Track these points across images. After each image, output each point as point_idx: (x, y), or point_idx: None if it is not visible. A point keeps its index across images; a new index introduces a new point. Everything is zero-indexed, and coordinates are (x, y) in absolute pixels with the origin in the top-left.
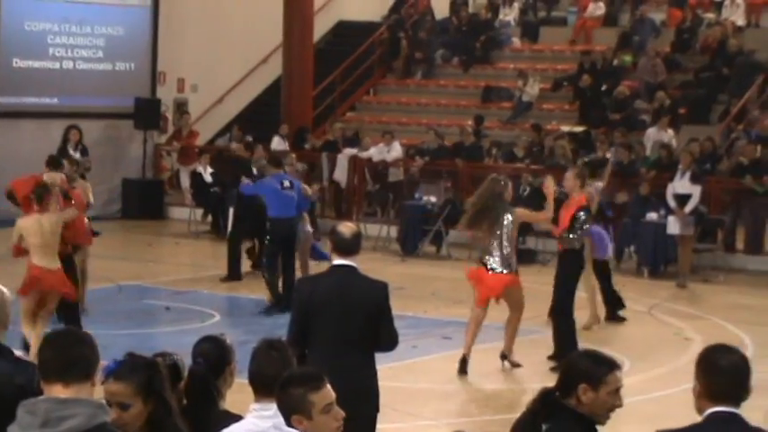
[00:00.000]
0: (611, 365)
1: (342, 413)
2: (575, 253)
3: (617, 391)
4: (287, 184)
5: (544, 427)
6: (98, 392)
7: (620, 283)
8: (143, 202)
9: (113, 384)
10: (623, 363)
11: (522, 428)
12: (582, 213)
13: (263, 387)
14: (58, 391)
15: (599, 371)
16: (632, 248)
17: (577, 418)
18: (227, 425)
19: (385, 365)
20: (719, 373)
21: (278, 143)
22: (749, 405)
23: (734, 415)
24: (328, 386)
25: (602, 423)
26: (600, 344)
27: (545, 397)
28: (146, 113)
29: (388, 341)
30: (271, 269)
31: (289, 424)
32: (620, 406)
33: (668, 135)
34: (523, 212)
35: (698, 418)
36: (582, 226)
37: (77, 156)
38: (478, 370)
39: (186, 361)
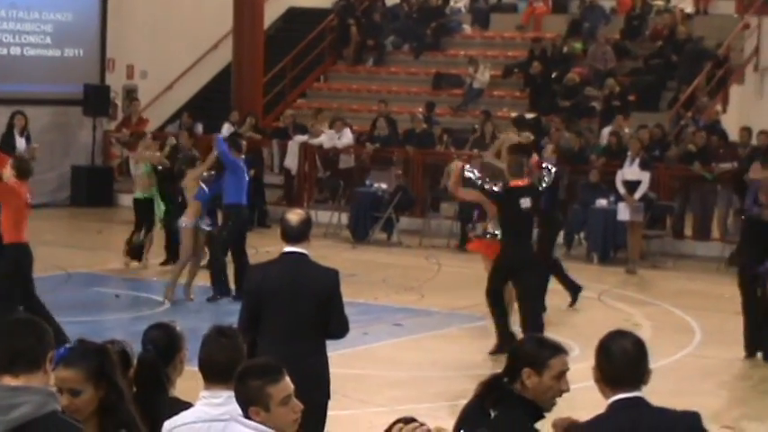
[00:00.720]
0: (555, 349)
1: (300, 405)
2: None
3: (562, 375)
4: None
5: (492, 413)
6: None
7: (571, 270)
8: (92, 189)
9: (63, 371)
10: (572, 349)
11: (469, 415)
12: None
13: (212, 374)
14: (7, 381)
15: (543, 354)
16: (582, 235)
17: (524, 404)
18: (176, 412)
19: (336, 352)
20: (612, 359)
21: (228, 130)
22: (706, 391)
23: (637, 399)
24: (287, 378)
25: (548, 409)
26: (550, 330)
27: (492, 383)
28: (95, 100)
29: (339, 328)
30: (224, 258)
31: (246, 415)
32: (566, 390)
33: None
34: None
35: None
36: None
37: (23, 142)
38: (429, 357)
39: (137, 348)
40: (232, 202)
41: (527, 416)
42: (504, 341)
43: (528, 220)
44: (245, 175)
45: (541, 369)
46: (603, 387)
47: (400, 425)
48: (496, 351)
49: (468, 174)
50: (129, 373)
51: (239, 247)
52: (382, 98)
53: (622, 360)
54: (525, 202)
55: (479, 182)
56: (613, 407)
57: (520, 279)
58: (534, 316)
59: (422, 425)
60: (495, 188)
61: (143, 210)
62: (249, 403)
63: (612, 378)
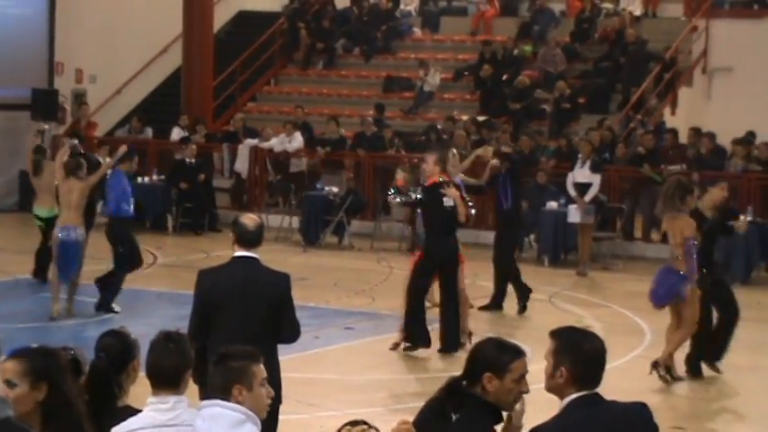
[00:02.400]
0: (515, 353)
1: (272, 392)
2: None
3: (522, 377)
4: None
5: (453, 417)
6: None
7: (522, 272)
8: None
9: (6, 362)
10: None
11: (430, 418)
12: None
13: (160, 380)
14: None
15: (503, 359)
16: (532, 237)
17: (485, 407)
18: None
19: (287, 356)
20: (585, 359)
21: (177, 134)
22: (656, 392)
23: (595, 395)
24: (263, 364)
25: (509, 410)
26: (501, 332)
27: (452, 386)
28: (43, 104)
29: (291, 332)
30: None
31: (224, 398)
32: (526, 392)
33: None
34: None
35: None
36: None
37: None
38: (380, 360)
39: (90, 355)
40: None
41: (489, 419)
42: (420, 338)
43: (452, 217)
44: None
45: (503, 373)
46: (566, 387)
47: (348, 427)
48: (412, 347)
49: (398, 199)
50: (81, 380)
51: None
52: (333, 101)
53: (595, 360)
54: (448, 201)
55: (403, 198)
56: (576, 404)
57: (446, 276)
58: (457, 312)
59: (370, 427)
60: (417, 194)
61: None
62: (233, 381)
63: (581, 378)
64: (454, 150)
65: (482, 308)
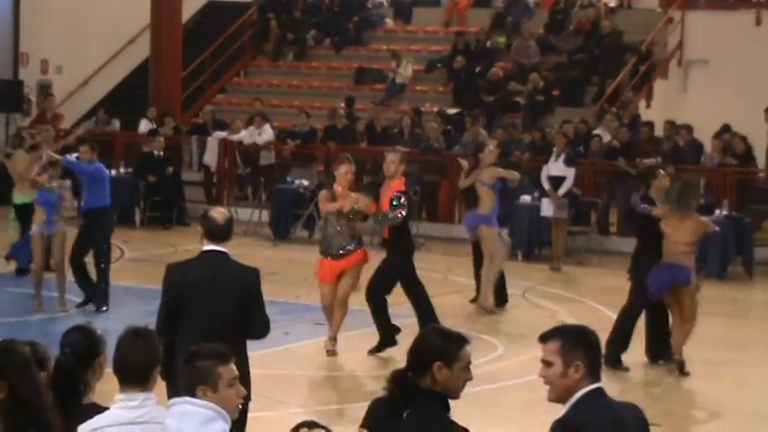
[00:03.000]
0: (461, 341)
1: (244, 391)
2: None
3: (469, 365)
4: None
5: (405, 413)
6: None
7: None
8: (5, 187)
9: None
10: (496, 347)
11: (380, 418)
12: (399, 195)
13: (128, 377)
14: None
15: (452, 347)
16: (506, 231)
17: (435, 398)
18: (93, 417)
19: (257, 352)
20: (598, 349)
21: (145, 126)
22: (629, 389)
23: (602, 389)
24: (233, 362)
25: (456, 398)
26: (474, 328)
27: (399, 379)
28: (8, 96)
29: (260, 328)
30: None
31: (191, 395)
32: (470, 379)
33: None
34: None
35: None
36: (398, 208)
37: None
38: (351, 356)
39: (55, 351)
40: (99, 205)
41: (441, 410)
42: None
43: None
44: (107, 176)
45: (451, 362)
46: (581, 381)
47: (304, 429)
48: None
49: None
50: (43, 375)
51: (106, 250)
52: (303, 93)
53: (600, 349)
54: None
55: (392, 215)
56: (590, 396)
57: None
58: (428, 306)
59: (327, 430)
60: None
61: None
62: (197, 383)
63: (595, 369)
64: (491, 146)
65: (473, 300)
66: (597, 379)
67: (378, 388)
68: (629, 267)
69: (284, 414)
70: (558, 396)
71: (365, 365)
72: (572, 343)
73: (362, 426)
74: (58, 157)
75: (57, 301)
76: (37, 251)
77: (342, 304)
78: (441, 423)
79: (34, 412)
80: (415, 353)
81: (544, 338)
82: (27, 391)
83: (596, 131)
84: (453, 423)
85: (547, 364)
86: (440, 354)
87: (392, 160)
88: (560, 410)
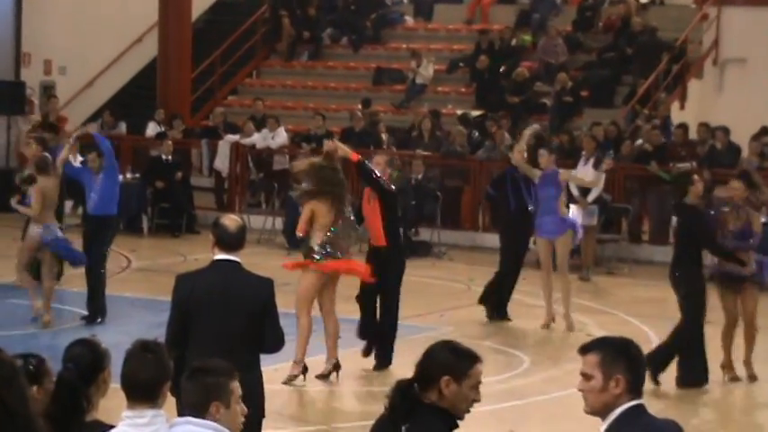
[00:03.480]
0: (474, 358)
1: (245, 409)
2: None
3: (478, 384)
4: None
5: (404, 427)
6: None
7: (521, 276)
8: (6, 193)
9: None
10: (523, 361)
11: (382, 430)
12: None
13: (136, 392)
14: None
15: (463, 363)
16: (532, 239)
17: (439, 414)
18: None
19: (270, 367)
20: (639, 366)
21: (153, 129)
22: (661, 410)
23: (643, 406)
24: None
25: (461, 418)
26: (496, 340)
27: (403, 390)
28: (9, 97)
29: (274, 341)
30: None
31: (201, 412)
32: (478, 401)
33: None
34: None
35: (593, 420)
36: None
37: None
38: (373, 371)
39: (57, 366)
40: (111, 213)
41: (443, 428)
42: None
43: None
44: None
45: (461, 378)
46: (620, 397)
47: None
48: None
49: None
50: (34, 391)
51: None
52: (319, 94)
53: (644, 365)
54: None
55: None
56: (630, 414)
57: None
58: (395, 314)
59: None
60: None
61: None
62: (211, 398)
63: (636, 384)
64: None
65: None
66: (638, 395)
67: None
68: (675, 280)
69: (300, 431)
70: (595, 410)
71: (386, 380)
72: (613, 356)
73: None
74: (89, 129)
75: (58, 313)
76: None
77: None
78: None
79: (23, 425)
80: (424, 365)
81: (584, 350)
82: (14, 402)
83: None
84: None
85: (586, 377)
86: (450, 368)
87: (378, 162)
88: (591, 427)
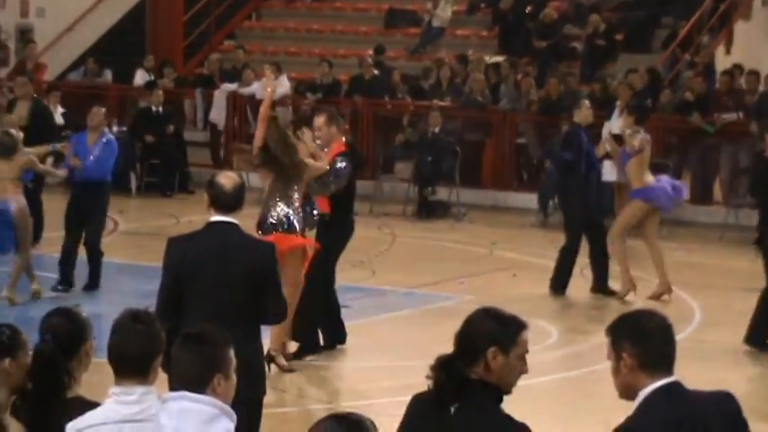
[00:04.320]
0: (520, 324)
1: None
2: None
3: (525, 354)
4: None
5: (452, 408)
6: None
7: (548, 240)
8: None
9: None
10: (551, 333)
11: (425, 412)
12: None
13: (125, 367)
14: None
15: (509, 331)
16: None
17: (489, 391)
18: (80, 413)
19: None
20: (651, 340)
21: (142, 78)
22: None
23: (676, 384)
24: None
25: (509, 392)
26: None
27: (448, 367)
28: None
29: (276, 311)
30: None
31: (197, 389)
32: (526, 372)
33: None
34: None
35: (622, 402)
36: (337, 174)
37: None
38: (381, 343)
39: (34, 338)
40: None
41: (495, 404)
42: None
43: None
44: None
45: (509, 346)
46: (636, 377)
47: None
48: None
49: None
50: (6, 364)
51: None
52: (325, 39)
53: (662, 340)
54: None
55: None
56: (656, 397)
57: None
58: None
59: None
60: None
61: None
62: (214, 370)
63: (649, 359)
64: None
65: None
66: (661, 372)
67: (410, 380)
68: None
69: (303, 410)
70: (621, 395)
71: (396, 354)
72: (617, 333)
73: (400, 428)
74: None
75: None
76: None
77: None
78: (497, 419)
79: None
80: (467, 336)
81: (606, 330)
82: None
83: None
84: (511, 419)
85: (609, 358)
86: (496, 338)
87: (318, 126)
88: (625, 406)
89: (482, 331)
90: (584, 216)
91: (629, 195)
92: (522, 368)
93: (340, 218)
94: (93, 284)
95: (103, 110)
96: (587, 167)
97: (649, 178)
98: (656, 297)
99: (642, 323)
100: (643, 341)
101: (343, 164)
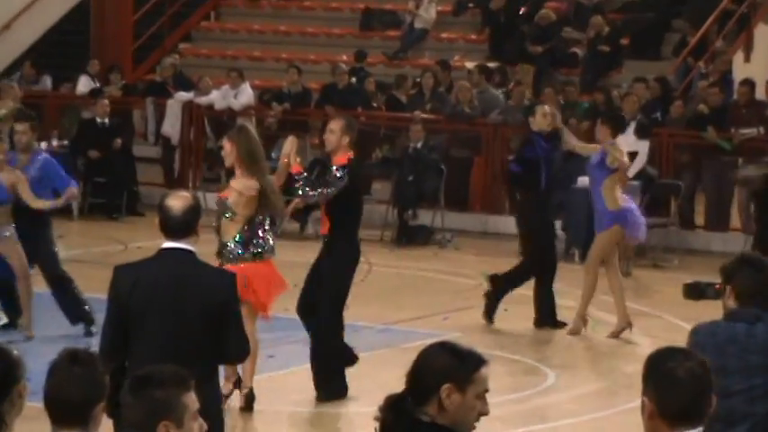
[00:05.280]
0: (478, 360)
1: (205, 426)
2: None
3: (485, 393)
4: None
5: None
6: None
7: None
8: None
9: None
10: (547, 375)
11: None
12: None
13: (62, 414)
14: None
15: (466, 367)
16: (559, 224)
17: None
18: None
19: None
20: (678, 388)
21: (85, 85)
22: None
23: None
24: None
25: None
26: (516, 350)
27: (397, 406)
28: None
29: (236, 349)
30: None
31: None
32: (486, 413)
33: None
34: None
35: None
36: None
37: None
38: (353, 387)
39: None
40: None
41: None
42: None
43: None
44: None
45: (466, 384)
46: (655, 424)
47: None
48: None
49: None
50: None
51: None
52: (293, 42)
53: (692, 389)
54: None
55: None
56: None
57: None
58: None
59: None
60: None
61: None
62: (160, 417)
63: (670, 408)
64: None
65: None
66: (684, 424)
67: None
68: None
69: None
70: None
71: (368, 399)
72: (645, 373)
73: None
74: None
75: None
76: None
77: None
78: None
79: None
80: (418, 373)
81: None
82: None
83: None
84: None
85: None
86: (450, 374)
87: (332, 129)
88: None
89: (435, 367)
90: (546, 238)
91: (604, 218)
92: (481, 408)
93: (345, 239)
94: (77, 317)
95: (29, 124)
96: (547, 182)
97: (622, 198)
98: (616, 335)
99: (666, 365)
100: (663, 386)
101: (340, 173)
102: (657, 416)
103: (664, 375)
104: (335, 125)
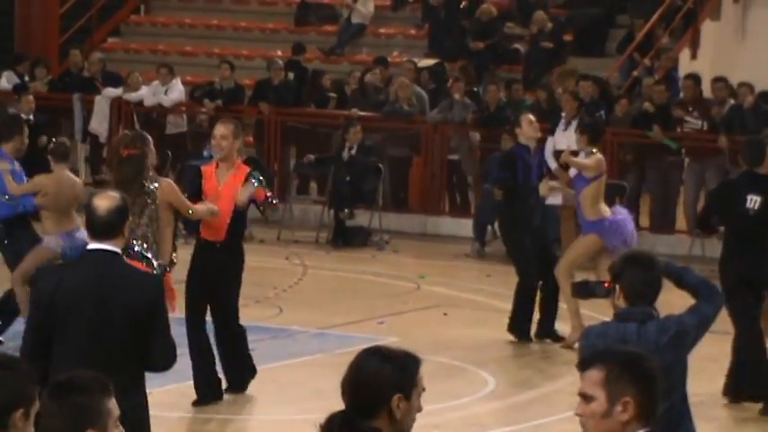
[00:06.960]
0: (415, 362)
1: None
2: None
3: (422, 390)
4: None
5: None
6: None
7: (484, 273)
8: None
9: None
10: (486, 381)
11: None
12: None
13: None
14: None
15: (409, 373)
16: (497, 225)
17: None
18: None
19: (160, 389)
20: (656, 385)
21: (9, 80)
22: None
23: None
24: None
25: None
26: (456, 355)
27: (349, 428)
28: None
29: (163, 355)
30: None
31: None
32: (421, 410)
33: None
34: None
35: None
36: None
37: None
38: (286, 394)
39: None
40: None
41: None
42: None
43: None
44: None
45: (411, 390)
46: (629, 425)
47: None
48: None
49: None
50: None
51: None
52: (226, 37)
53: (659, 384)
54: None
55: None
56: None
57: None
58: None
59: None
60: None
61: None
62: (85, 424)
63: (650, 408)
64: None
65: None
66: (652, 421)
67: None
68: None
69: None
70: None
71: (303, 406)
72: (620, 372)
73: None
74: None
75: None
76: None
77: None
78: None
79: None
80: (364, 387)
81: (584, 364)
82: None
83: None
84: None
85: (586, 398)
86: (397, 384)
87: (224, 135)
88: None
89: (381, 380)
90: (535, 247)
91: (583, 228)
92: (418, 407)
93: (237, 244)
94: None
95: None
96: (530, 192)
97: (604, 209)
98: (570, 345)
99: (646, 364)
100: (650, 386)
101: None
102: (636, 418)
103: (647, 377)
104: (227, 130)
